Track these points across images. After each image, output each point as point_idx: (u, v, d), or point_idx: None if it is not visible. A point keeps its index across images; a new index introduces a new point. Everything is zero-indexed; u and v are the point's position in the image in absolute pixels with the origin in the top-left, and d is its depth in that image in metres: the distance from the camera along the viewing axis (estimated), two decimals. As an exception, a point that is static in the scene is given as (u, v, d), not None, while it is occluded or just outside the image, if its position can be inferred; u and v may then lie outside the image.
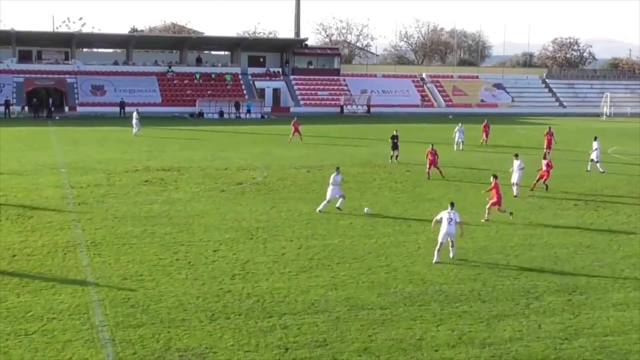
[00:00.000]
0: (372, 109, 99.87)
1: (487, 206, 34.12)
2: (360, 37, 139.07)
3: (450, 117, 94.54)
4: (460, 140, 60.24)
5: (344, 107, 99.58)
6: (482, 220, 33.52)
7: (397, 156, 51.35)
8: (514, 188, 40.04)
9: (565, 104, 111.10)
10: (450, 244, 27.20)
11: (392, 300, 22.71)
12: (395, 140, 51.78)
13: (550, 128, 59.57)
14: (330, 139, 66.70)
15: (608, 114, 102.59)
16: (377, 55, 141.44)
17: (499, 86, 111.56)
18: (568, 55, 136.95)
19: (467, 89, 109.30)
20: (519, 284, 24.58)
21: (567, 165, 50.68)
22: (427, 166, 44.49)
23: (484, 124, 64.47)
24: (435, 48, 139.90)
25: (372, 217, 34.05)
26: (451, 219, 26.76)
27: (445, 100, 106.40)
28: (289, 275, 24.92)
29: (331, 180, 35.24)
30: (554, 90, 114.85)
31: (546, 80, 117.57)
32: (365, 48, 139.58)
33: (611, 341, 20.02)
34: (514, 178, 40.17)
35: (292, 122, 64.79)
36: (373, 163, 50.67)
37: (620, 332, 20.64)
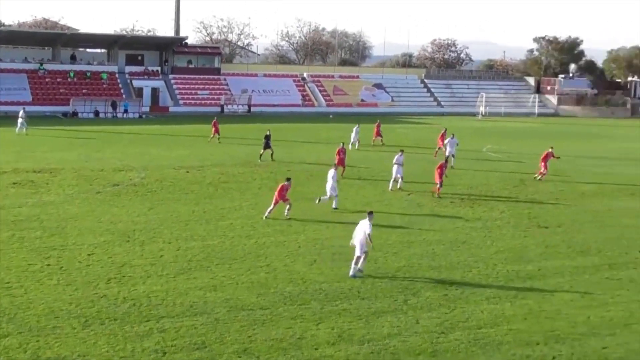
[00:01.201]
0: (253, 109, 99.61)
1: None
2: (242, 36, 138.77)
3: (331, 116, 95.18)
4: (356, 140, 60.65)
5: (225, 106, 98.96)
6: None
7: (272, 155, 51.30)
8: (393, 183, 41.20)
9: (443, 103, 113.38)
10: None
11: (272, 300, 22.62)
12: (267, 140, 51.80)
13: (445, 130, 60.37)
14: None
15: (483, 114, 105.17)
16: (259, 55, 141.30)
17: (379, 86, 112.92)
18: (446, 56, 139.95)
19: (348, 88, 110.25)
20: (397, 281, 24.88)
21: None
22: (335, 164, 44.09)
23: (377, 124, 65.10)
24: (316, 48, 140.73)
25: (252, 217, 33.89)
26: (364, 230, 25.45)
27: (326, 100, 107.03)
28: (167, 277, 24.52)
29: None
30: (432, 90, 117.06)
31: (425, 80, 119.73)
32: (247, 47, 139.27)
33: (485, 333, 20.49)
34: (397, 172, 41.23)
35: (213, 122, 63.78)
36: (253, 163, 50.46)
37: (493, 324, 21.17)
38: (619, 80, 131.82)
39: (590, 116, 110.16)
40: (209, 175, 44.65)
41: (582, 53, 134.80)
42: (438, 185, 39.84)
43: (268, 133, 52.86)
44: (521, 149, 63.88)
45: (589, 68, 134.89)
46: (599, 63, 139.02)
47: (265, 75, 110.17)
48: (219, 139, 62.45)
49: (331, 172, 36.71)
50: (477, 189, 42.60)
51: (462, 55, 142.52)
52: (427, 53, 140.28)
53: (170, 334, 19.56)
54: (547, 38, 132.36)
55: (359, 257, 25.43)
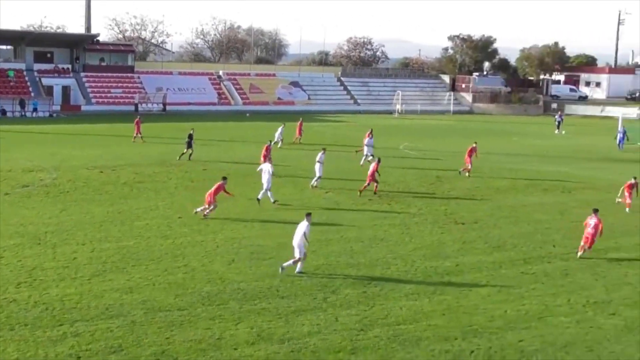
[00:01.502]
0: (168, 107, 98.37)
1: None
2: (155, 33, 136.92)
3: (248, 115, 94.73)
4: (279, 139, 60.28)
5: (139, 105, 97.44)
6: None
7: (190, 155, 50.70)
8: (316, 180, 41.38)
9: (359, 101, 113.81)
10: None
11: (190, 300, 22.32)
12: (190, 139, 51.22)
13: (371, 130, 60.30)
14: (125, 138, 64.59)
15: (400, 111, 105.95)
16: (173, 53, 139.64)
17: (295, 84, 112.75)
18: (362, 54, 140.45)
19: (264, 86, 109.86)
20: (316, 279, 24.81)
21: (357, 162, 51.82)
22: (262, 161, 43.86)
23: (299, 122, 64.92)
24: (232, 46, 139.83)
25: (169, 217, 33.43)
26: (301, 230, 25.62)
27: (242, 98, 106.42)
28: (81, 280, 23.95)
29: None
30: (349, 88, 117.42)
31: (341, 78, 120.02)
32: (161, 45, 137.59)
33: (404, 329, 20.58)
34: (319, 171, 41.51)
35: (135, 121, 62.49)
36: (169, 162, 49.74)
37: (412, 320, 21.28)
38: (532, 78, 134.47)
39: (504, 113, 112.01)
40: (123, 175, 43.87)
41: (495, 51, 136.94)
42: (375, 184, 40.17)
43: (191, 132, 52.22)
44: (437, 146, 64.56)
45: (503, 66, 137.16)
46: (512, 61, 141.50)
47: (180, 74, 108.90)
48: (142, 137, 61.42)
49: (266, 166, 37.70)
50: (395, 187, 42.83)
51: (378, 53, 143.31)
52: (343, 51, 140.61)
53: (85, 338, 19.09)
54: (461, 36, 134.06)
55: (298, 259, 25.36)
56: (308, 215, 26.26)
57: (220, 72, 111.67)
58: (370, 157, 50.63)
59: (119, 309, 21.37)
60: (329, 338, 19.81)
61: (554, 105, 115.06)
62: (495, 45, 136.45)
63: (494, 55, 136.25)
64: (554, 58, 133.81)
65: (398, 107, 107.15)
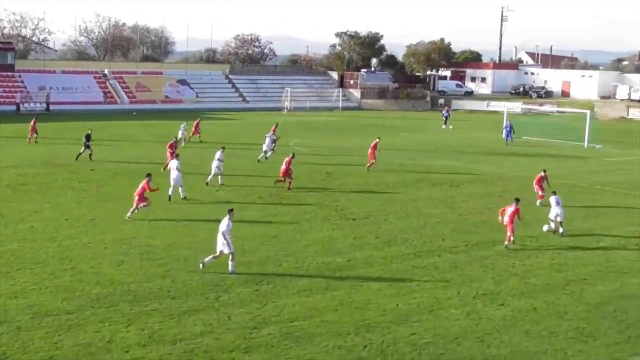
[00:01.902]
0: (52, 107, 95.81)
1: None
2: (37, 31, 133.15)
3: (134, 113, 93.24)
4: (182, 137, 59.43)
5: (21, 104, 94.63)
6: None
7: (90, 155, 49.51)
8: (212, 178, 41.46)
9: (248, 98, 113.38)
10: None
11: (78, 303, 21.81)
12: (87, 139, 49.98)
13: (276, 125, 60.06)
14: (5, 139, 62.36)
15: (289, 108, 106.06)
16: (56, 51, 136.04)
17: (183, 82, 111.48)
18: (250, 52, 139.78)
19: (151, 85, 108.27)
20: (208, 278, 24.59)
21: (252, 160, 51.65)
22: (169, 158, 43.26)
23: (196, 121, 64.11)
24: (117, 44, 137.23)
25: (55, 219, 32.59)
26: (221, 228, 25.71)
27: (129, 97, 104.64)
28: (-38, 285, 23.09)
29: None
30: (237, 85, 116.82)
31: (229, 76, 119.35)
32: (43, 43, 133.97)
33: (297, 326, 20.58)
34: (217, 168, 41.69)
35: (32, 122, 60.34)
36: (54, 163, 48.49)
37: (306, 317, 21.31)
38: (419, 74, 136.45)
39: (392, 109, 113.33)
40: (5, 177, 42.50)
41: (383, 48, 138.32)
42: (289, 180, 40.83)
43: (89, 132, 50.94)
44: (327, 142, 64.88)
45: (390, 62, 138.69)
46: (399, 57, 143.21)
47: (64, 72, 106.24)
48: (36, 139, 59.55)
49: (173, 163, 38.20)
50: (284, 184, 42.77)
51: (266, 50, 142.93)
52: (231, 48, 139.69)
53: (-32, 346, 18.40)
54: (348, 33, 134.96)
55: (227, 255, 25.34)
56: (230, 211, 26.22)
57: (106, 71, 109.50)
58: (271, 153, 51.20)
59: (3, 315, 20.68)
60: (222, 337, 19.65)
61: (441, 101, 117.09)
62: (382, 41, 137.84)
63: (381, 51, 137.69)
64: (440, 54, 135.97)
65: (287, 104, 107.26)
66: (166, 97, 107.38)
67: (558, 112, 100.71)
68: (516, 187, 43.30)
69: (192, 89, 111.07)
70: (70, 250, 27.54)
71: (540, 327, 21.10)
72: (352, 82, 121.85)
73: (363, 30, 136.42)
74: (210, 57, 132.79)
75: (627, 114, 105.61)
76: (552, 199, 32.95)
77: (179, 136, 58.82)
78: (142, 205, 32.93)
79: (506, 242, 29.88)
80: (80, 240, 28.99)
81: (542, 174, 39.37)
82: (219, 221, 32.40)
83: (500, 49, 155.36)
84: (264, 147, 51.83)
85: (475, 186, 43.88)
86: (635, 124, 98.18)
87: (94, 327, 20.02)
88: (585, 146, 66.63)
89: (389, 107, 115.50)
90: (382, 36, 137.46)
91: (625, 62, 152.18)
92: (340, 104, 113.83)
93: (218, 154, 41.99)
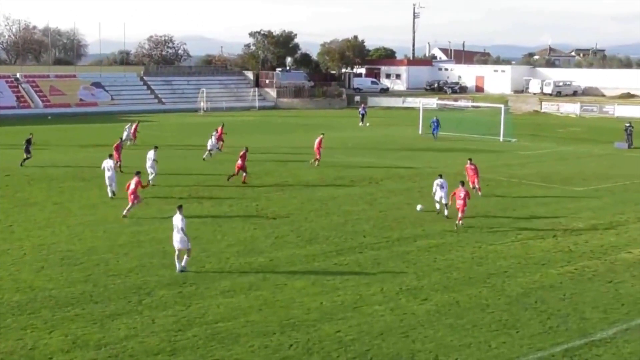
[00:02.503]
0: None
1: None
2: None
3: (49, 117, 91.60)
4: (128, 139, 58.99)
5: None
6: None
7: (24, 160, 48.60)
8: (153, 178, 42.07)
9: (164, 100, 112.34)
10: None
11: (-3, 312, 21.39)
12: (28, 144, 49.09)
13: (223, 124, 60.18)
14: None
15: (205, 109, 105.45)
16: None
17: (97, 85, 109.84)
18: (164, 53, 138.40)
19: (65, 88, 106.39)
20: (130, 282, 24.41)
21: (173, 161, 51.25)
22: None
23: (135, 124, 63.73)
24: (28, 47, 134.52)
25: (-30, 226, 31.83)
26: (176, 225, 26.07)
27: (42, 101, 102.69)
28: None
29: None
30: (152, 87, 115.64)
31: (144, 77, 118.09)
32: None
33: (222, 327, 20.60)
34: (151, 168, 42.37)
35: None
36: (-33, 169, 47.32)
37: (230, 318, 21.32)
38: (334, 72, 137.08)
39: (308, 108, 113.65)
40: None
41: (297, 46, 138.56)
42: (244, 173, 42.78)
43: (30, 137, 49.84)
44: (245, 142, 64.53)
45: (305, 61, 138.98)
46: (314, 56, 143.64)
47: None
48: None
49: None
50: (205, 183, 42.65)
51: (180, 51, 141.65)
52: (145, 50, 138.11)
53: None
54: (262, 32, 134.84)
55: (182, 253, 25.69)
56: (180, 207, 26.56)
57: (18, 75, 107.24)
58: (215, 151, 53.28)
59: None
60: (147, 341, 19.54)
61: (357, 98, 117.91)
62: (296, 40, 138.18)
63: (295, 50, 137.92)
64: (354, 51, 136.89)
65: (203, 104, 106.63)
66: (81, 100, 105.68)
67: (473, 107, 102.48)
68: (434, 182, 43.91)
69: (107, 91, 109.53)
70: (-13, 258, 26.99)
71: (464, 321, 21.44)
72: (267, 81, 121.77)
73: (277, 30, 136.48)
74: (124, 59, 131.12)
75: (540, 108, 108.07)
76: (437, 182, 34.99)
77: (124, 137, 58.20)
78: (137, 202, 33.62)
79: (458, 222, 31.96)
80: (-2, 248, 28.44)
81: (469, 164, 40.42)
82: (138, 224, 32.36)
83: (413, 45, 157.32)
84: (208, 146, 53.07)
85: (394, 182, 44.39)
86: (548, 117, 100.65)
87: (16, 335, 19.70)
88: (501, 140, 67.99)
89: (305, 105, 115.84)
90: (295, 35, 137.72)
91: (536, 57, 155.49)
92: (257, 104, 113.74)
93: (151, 154, 42.33)
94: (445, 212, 34.09)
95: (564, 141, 69.33)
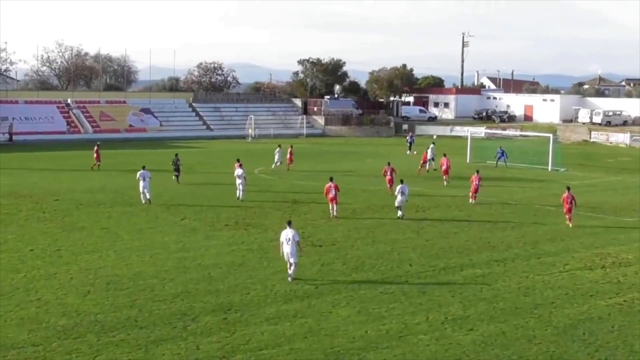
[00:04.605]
0: (15, 137, 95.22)
1: None
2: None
3: (99, 143, 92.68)
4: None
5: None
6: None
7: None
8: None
9: (212, 127, 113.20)
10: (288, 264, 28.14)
11: (44, 335, 21.55)
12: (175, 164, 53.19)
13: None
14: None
15: (253, 136, 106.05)
16: (18, 81, 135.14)
17: (146, 111, 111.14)
18: (213, 80, 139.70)
19: (115, 114, 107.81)
20: (175, 307, 24.41)
21: (218, 187, 51.50)
22: None
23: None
24: (79, 73, 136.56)
25: (19, 250, 32.22)
26: (289, 238, 27.94)
27: (92, 126, 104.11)
28: None
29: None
30: (201, 113, 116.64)
31: (193, 104, 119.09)
32: (4, 73, 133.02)
33: (266, 354, 20.48)
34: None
35: None
36: (18, 193, 47.98)
37: (274, 345, 21.20)
38: (382, 100, 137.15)
39: (356, 135, 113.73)
40: (-31, 208, 41.98)
41: (345, 74, 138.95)
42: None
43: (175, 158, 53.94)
44: (292, 169, 64.81)
45: (353, 89, 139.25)
46: (362, 84, 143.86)
47: (26, 102, 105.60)
48: None
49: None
50: (251, 211, 42.70)
51: (229, 78, 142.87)
52: (194, 77, 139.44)
53: None
54: (311, 60, 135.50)
55: (291, 265, 28.04)
56: (289, 222, 28.88)
57: (69, 100, 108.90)
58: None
59: (-33, 349, 20.37)
60: (191, 367, 19.50)
61: (405, 126, 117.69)
62: (345, 68, 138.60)
63: (344, 78, 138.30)
64: (402, 80, 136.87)
65: (251, 131, 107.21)
66: (130, 126, 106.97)
67: (521, 136, 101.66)
68: (481, 211, 43.59)
69: (155, 117, 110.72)
70: (36, 282, 27.24)
71: (510, 352, 21.12)
72: (315, 109, 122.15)
73: (325, 57, 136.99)
74: (173, 86, 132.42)
75: (590, 137, 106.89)
76: (398, 188, 40.56)
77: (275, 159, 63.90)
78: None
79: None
80: (46, 272, 28.68)
81: (567, 193, 40.51)
82: (185, 249, 32.46)
83: (462, 74, 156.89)
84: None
85: (441, 211, 44.06)
86: (597, 147, 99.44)
87: (61, 359, 19.77)
88: (549, 170, 67.28)
89: (353, 133, 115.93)
90: (344, 63, 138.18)
91: (585, 86, 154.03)
92: (305, 131, 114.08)
93: (239, 172, 46.10)
94: (400, 213, 40.14)
95: (614, 171, 68.44)
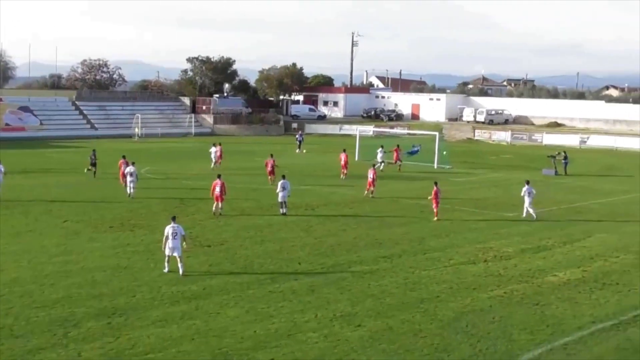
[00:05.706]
0: None
1: None
2: None
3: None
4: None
5: None
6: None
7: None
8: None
9: (97, 125, 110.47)
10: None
11: None
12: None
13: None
14: None
15: (140, 135, 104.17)
16: None
17: (25, 109, 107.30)
18: (98, 77, 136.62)
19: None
20: (55, 313, 23.47)
21: (103, 188, 50.26)
22: None
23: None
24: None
25: None
26: (176, 233, 28.26)
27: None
28: None
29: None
30: (85, 112, 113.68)
31: (76, 102, 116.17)
32: None
33: (152, 358, 20.00)
34: None
35: None
36: None
37: (161, 348, 20.68)
38: (272, 98, 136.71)
39: (246, 134, 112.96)
40: None
41: (235, 73, 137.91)
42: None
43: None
44: (181, 169, 63.90)
45: (243, 87, 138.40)
46: (252, 82, 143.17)
47: None
48: None
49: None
50: (137, 212, 41.72)
51: (115, 76, 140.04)
52: (78, 74, 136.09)
53: None
54: (200, 58, 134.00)
55: (177, 260, 28.38)
56: (174, 218, 29.24)
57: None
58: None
59: None
60: (72, 375, 18.72)
61: (294, 125, 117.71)
62: (234, 66, 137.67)
63: (233, 76, 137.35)
64: (292, 79, 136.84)
65: (137, 130, 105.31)
66: (7, 124, 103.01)
67: (409, 134, 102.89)
68: (369, 209, 43.82)
69: (35, 116, 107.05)
70: None
71: (397, 346, 21.23)
72: (204, 107, 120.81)
73: (215, 56, 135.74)
74: (55, 83, 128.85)
75: (474, 136, 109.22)
76: (280, 184, 41.80)
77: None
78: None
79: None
80: None
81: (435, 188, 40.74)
82: (67, 253, 31.37)
83: (351, 73, 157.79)
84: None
85: (330, 209, 44.04)
86: (481, 144, 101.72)
87: None
88: (435, 167, 68.26)
89: (242, 132, 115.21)
90: (234, 61, 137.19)
91: (470, 86, 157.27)
92: (193, 130, 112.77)
93: (130, 169, 45.96)
94: (283, 210, 41.31)
95: (496, 168, 70.09)
